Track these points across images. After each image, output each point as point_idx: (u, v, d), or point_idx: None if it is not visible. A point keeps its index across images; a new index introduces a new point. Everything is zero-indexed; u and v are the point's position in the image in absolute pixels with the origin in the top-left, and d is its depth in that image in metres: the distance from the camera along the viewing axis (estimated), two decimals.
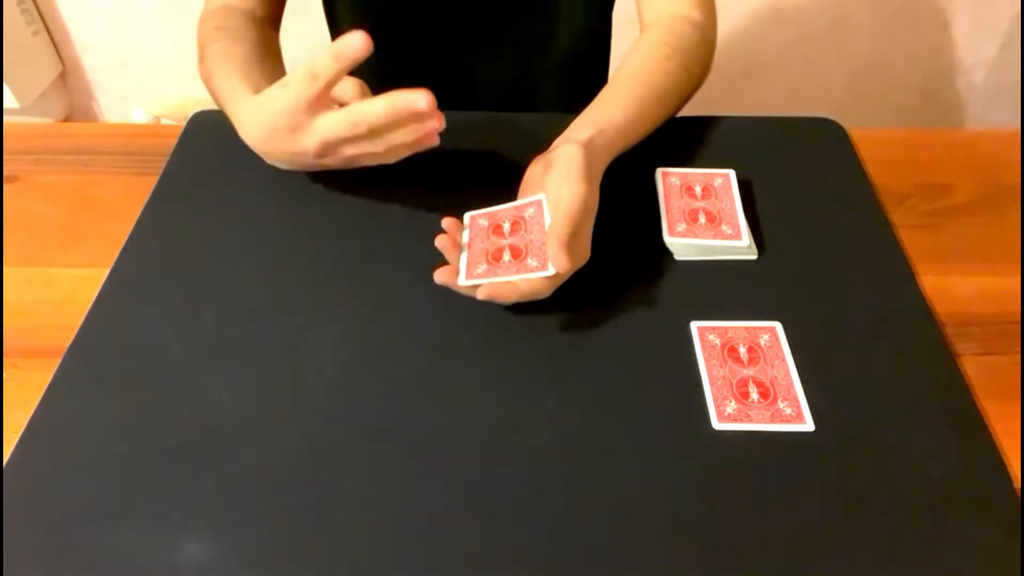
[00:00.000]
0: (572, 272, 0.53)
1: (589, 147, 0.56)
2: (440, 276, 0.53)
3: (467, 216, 0.59)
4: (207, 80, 0.68)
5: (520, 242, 0.54)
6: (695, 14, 0.71)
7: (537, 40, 0.81)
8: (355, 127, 0.54)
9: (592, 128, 0.59)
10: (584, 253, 0.54)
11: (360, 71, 0.84)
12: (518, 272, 0.52)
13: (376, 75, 0.84)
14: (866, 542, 0.44)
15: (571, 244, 0.51)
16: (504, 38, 0.80)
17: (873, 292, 0.59)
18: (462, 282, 0.53)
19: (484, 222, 0.57)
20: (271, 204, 0.65)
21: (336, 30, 0.86)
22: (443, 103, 0.83)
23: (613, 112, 0.62)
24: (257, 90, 0.60)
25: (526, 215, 0.56)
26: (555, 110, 0.86)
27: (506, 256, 0.54)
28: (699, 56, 0.70)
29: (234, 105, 0.62)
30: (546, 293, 0.53)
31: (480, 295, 0.52)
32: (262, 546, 0.44)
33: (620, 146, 0.62)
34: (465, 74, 0.83)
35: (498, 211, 0.58)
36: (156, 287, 0.58)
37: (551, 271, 0.51)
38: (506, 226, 0.56)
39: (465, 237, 0.57)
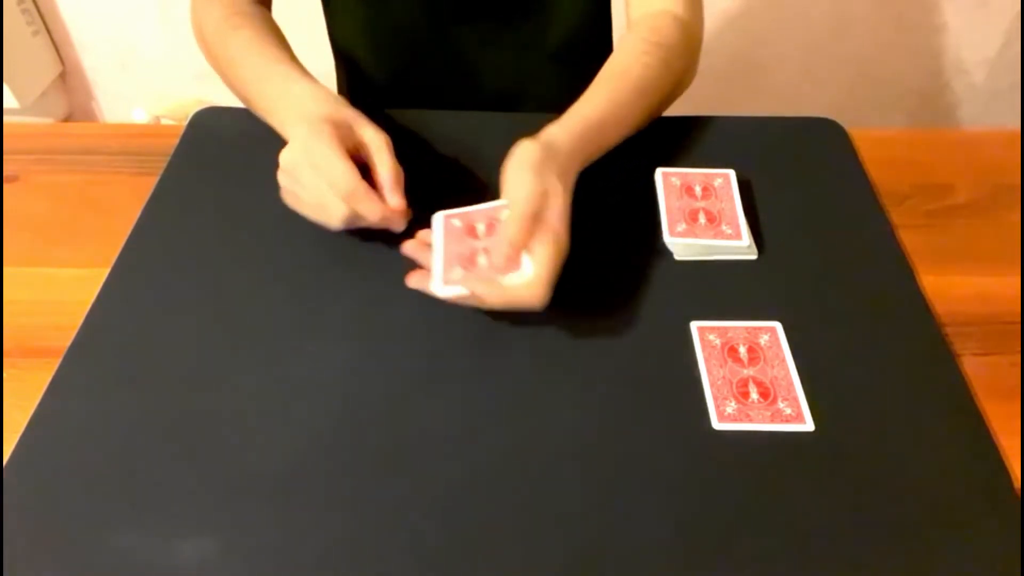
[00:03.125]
0: (555, 269, 0.51)
1: (545, 141, 0.56)
2: (414, 281, 0.53)
3: (438, 216, 0.56)
4: (230, 65, 0.68)
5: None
6: (678, 10, 0.71)
7: (534, 29, 0.81)
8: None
9: (557, 125, 0.59)
10: (558, 247, 0.51)
11: (360, 58, 0.84)
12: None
13: (375, 62, 0.84)
14: (866, 542, 0.44)
15: (525, 239, 0.50)
16: (501, 26, 0.80)
17: (873, 292, 0.59)
18: (438, 289, 0.51)
19: (458, 223, 0.55)
20: (271, 204, 0.65)
21: (333, 17, 0.85)
22: (440, 91, 0.84)
23: (585, 107, 0.62)
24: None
25: (502, 216, 0.54)
26: (553, 99, 0.85)
27: (481, 260, 0.53)
28: (681, 52, 0.69)
29: (286, 86, 0.63)
30: (534, 302, 0.50)
31: (466, 288, 0.50)
32: (262, 546, 0.44)
33: (593, 140, 0.61)
34: (462, 62, 0.83)
35: (471, 212, 0.56)
36: (156, 287, 0.58)
37: (526, 274, 0.49)
38: (480, 228, 0.55)
39: (437, 239, 0.54)
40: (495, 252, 0.52)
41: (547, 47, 0.83)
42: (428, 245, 0.55)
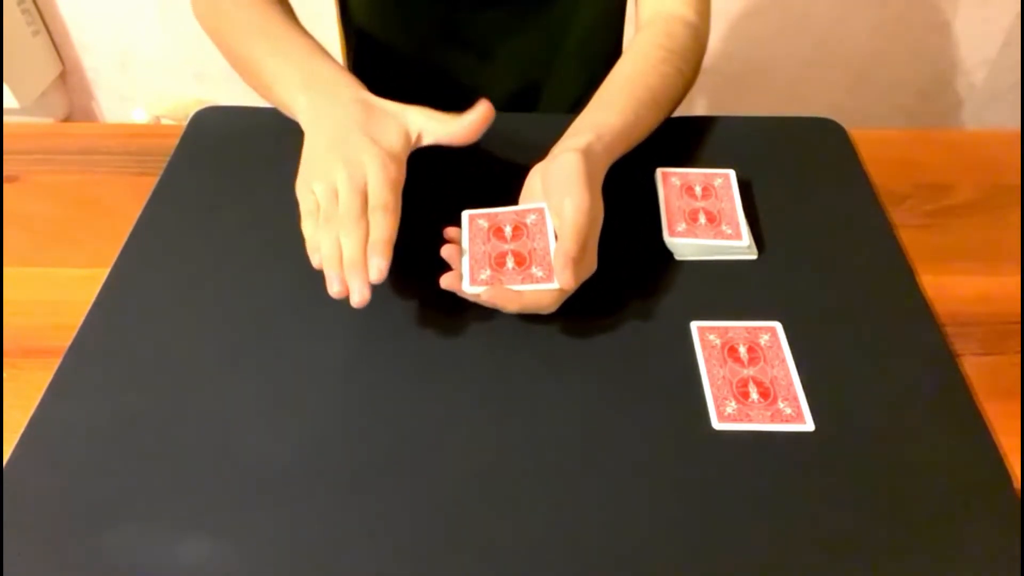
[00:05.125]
0: (577, 287, 0.53)
1: (587, 154, 0.55)
2: (445, 281, 0.53)
3: (465, 215, 0.58)
4: (237, 43, 0.65)
5: (523, 249, 0.54)
6: (691, 15, 0.71)
7: (559, 19, 0.81)
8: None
9: (590, 133, 0.58)
10: (591, 265, 0.54)
11: (383, 46, 0.84)
12: (522, 281, 0.52)
13: (397, 50, 0.84)
14: (866, 542, 0.44)
15: (578, 259, 0.51)
16: (526, 16, 0.80)
17: (873, 292, 0.59)
18: (466, 288, 0.53)
19: (484, 223, 0.57)
20: (271, 204, 0.65)
21: (347, 6, 0.85)
22: (460, 81, 0.84)
23: (610, 116, 0.61)
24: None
25: (527, 221, 0.55)
26: (570, 91, 0.86)
27: (509, 263, 0.53)
28: (692, 58, 0.70)
29: (309, 72, 0.60)
30: (550, 308, 0.53)
31: (483, 297, 0.52)
32: (262, 546, 0.44)
33: (618, 150, 0.61)
34: (484, 52, 0.82)
35: (498, 213, 0.57)
36: (156, 287, 0.58)
37: (556, 285, 0.51)
38: (507, 230, 0.55)
39: (464, 238, 0.56)
40: (549, 257, 0.52)
41: (569, 38, 0.82)
42: (460, 248, 0.56)
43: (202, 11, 0.70)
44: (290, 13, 0.69)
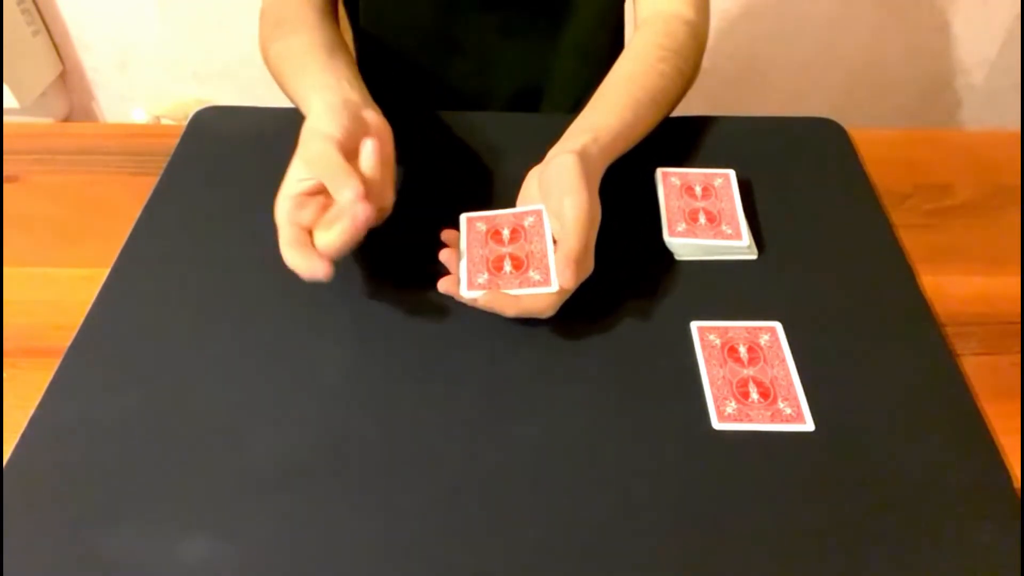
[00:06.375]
0: (576, 287, 0.53)
1: (584, 155, 0.55)
2: (443, 286, 0.53)
3: (463, 218, 0.58)
4: (280, 70, 0.67)
5: (520, 252, 0.54)
6: (689, 13, 0.71)
7: (558, 20, 0.81)
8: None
9: (587, 135, 0.58)
10: (589, 266, 0.54)
11: (380, 48, 0.84)
12: (520, 284, 0.52)
13: (399, 54, 0.84)
14: (866, 542, 0.44)
15: (580, 258, 0.51)
16: (526, 18, 0.80)
17: (873, 292, 0.59)
18: (464, 292, 0.52)
19: (482, 226, 0.57)
20: (272, 204, 0.65)
21: (348, 11, 0.85)
22: (462, 84, 0.84)
23: (608, 117, 0.61)
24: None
25: (525, 224, 0.55)
26: (570, 92, 0.86)
27: (507, 266, 0.53)
28: (691, 57, 0.70)
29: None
30: (548, 312, 0.53)
31: (481, 302, 0.52)
32: (262, 546, 0.44)
33: (616, 151, 0.61)
34: (485, 54, 0.83)
35: (496, 216, 0.57)
36: (156, 287, 0.58)
37: (555, 287, 0.51)
38: (505, 233, 0.55)
39: (462, 241, 0.56)
40: (546, 260, 0.52)
41: (568, 37, 0.82)
42: (458, 251, 0.55)
43: (263, 56, 0.72)
44: (326, 42, 0.68)
